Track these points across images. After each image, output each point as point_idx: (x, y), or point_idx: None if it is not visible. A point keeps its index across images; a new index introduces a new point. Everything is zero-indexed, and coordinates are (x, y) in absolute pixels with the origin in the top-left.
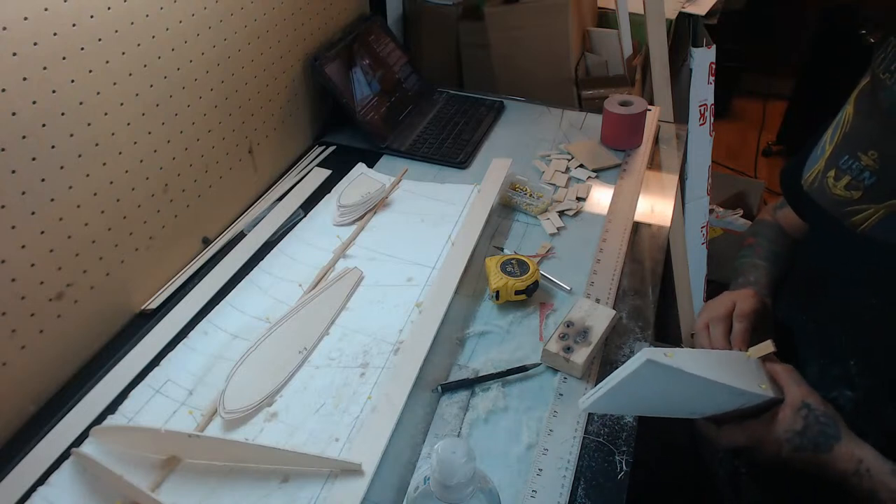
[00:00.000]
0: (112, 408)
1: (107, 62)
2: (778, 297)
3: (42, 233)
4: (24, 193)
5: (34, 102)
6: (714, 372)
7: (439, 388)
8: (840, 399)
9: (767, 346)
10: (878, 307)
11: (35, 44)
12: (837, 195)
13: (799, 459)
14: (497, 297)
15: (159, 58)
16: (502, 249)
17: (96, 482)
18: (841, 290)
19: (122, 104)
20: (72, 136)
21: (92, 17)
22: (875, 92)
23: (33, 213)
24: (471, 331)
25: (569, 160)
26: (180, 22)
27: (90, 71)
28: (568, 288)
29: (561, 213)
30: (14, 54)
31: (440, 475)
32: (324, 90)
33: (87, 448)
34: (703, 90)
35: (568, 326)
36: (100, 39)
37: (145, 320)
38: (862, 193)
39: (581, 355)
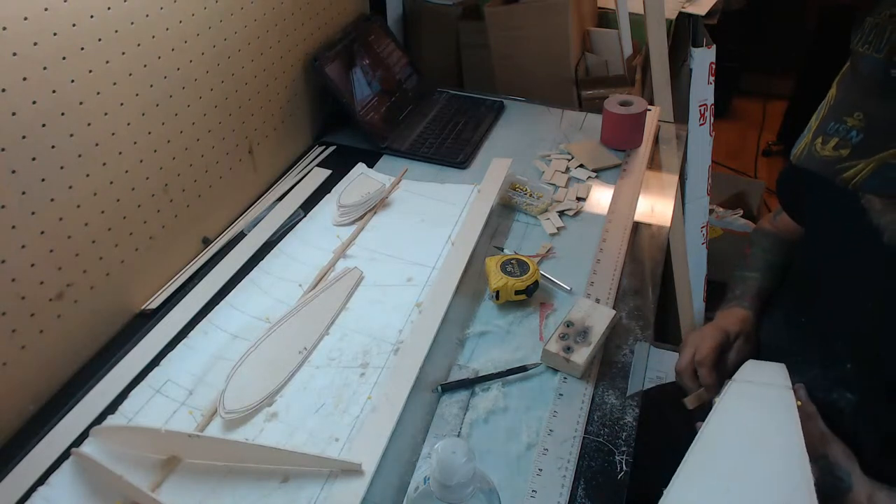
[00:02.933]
0: (112, 408)
1: (107, 62)
2: (777, 299)
3: (42, 233)
4: (24, 193)
5: (34, 102)
6: None
7: (439, 388)
8: (840, 401)
9: (701, 396)
10: (872, 310)
11: (35, 44)
12: (826, 156)
13: None
14: (497, 297)
15: (159, 58)
16: (502, 249)
17: (96, 482)
18: (836, 294)
19: (122, 104)
20: (72, 136)
21: (92, 17)
22: (854, 66)
23: (33, 213)
24: (471, 331)
25: (569, 160)
26: (180, 22)
27: (90, 71)
28: (568, 288)
29: (561, 213)
30: (14, 54)
31: (440, 475)
32: (324, 90)
33: (87, 448)
34: (703, 90)
35: (568, 326)
36: (100, 39)
37: (145, 320)
38: (850, 150)
39: (581, 355)
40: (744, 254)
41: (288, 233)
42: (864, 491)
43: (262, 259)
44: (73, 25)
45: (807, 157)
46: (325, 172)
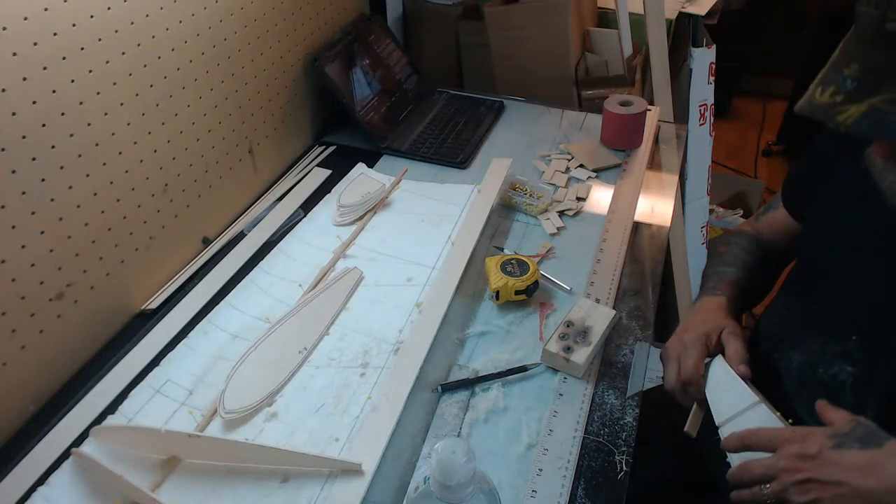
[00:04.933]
0: (112, 408)
1: (107, 62)
2: (779, 291)
3: (42, 233)
4: (24, 193)
5: (34, 102)
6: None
7: (439, 388)
8: (841, 374)
9: (697, 416)
10: (878, 279)
11: (35, 44)
12: (823, 102)
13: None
14: (497, 297)
15: (159, 58)
16: (502, 249)
17: (96, 482)
18: (842, 270)
19: (122, 104)
20: (72, 136)
21: (92, 17)
22: (856, 25)
23: (33, 213)
24: (471, 331)
25: (569, 160)
26: (180, 22)
27: (90, 71)
28: (568, 288)
29: (561, 213)
30: (14, 54)
31: (440, 475)
32: (324, 90)
33: (87, 448)
34: (703, 90)
35: (568, 326)
36: (100, 39)
37: (145, 320)
38: (844, 97)
39: (581, 355)
40: (718, 252)
41: (288, 233)
42: None
43: (262, 259)
44: (73, 25)
45: (807, 105)
46: (325, 172)
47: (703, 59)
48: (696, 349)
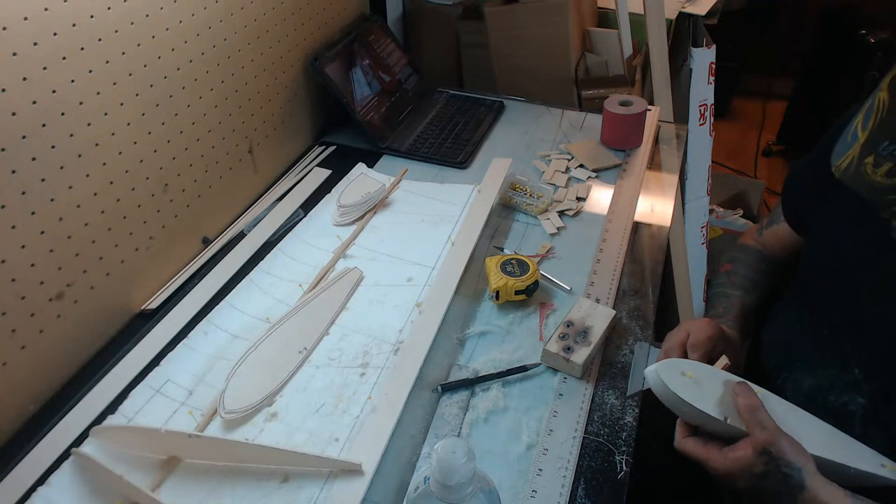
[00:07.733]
0: (112, 408)
1: (107, 62)
2: (786, 300)
3: (42, 233)
4: (24, 193)
5: (34, 102)
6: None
7: (439, 388)
8: (851, 405)
9: (722, 361)
10: (882, 315)
11: (35, 44)
12: (878, 182)
13: (755, 494)
14: (497, 297)
15: (159, 58)
16: (502, 249)
17: (96, 482)
18: (846, 299)
19: (122, 104)
20: (72, 136)
21: (92, 17)
22: None
23: (33, 213)
24: (471, 331)
25: (569, 160)
26: (180, 22)
27: (90, 71)
28: (568, 288)
29: (561, 213)
30: (14, 54)
31: (440, 475)
32: (324, 90)
33: (87, 448)
34: (703, 90)
35: (568, 326)
36: (100, 39)
37: (145, 320)
38: None
39: (581, 355)
40: (725, 270)
41: (288, 233)
42: (820, 493)
43: (262, 259)
44: (73, 25)
45: (854, 175)
46: (325, 172)
47: (703, 59)
48: (712, 329)
